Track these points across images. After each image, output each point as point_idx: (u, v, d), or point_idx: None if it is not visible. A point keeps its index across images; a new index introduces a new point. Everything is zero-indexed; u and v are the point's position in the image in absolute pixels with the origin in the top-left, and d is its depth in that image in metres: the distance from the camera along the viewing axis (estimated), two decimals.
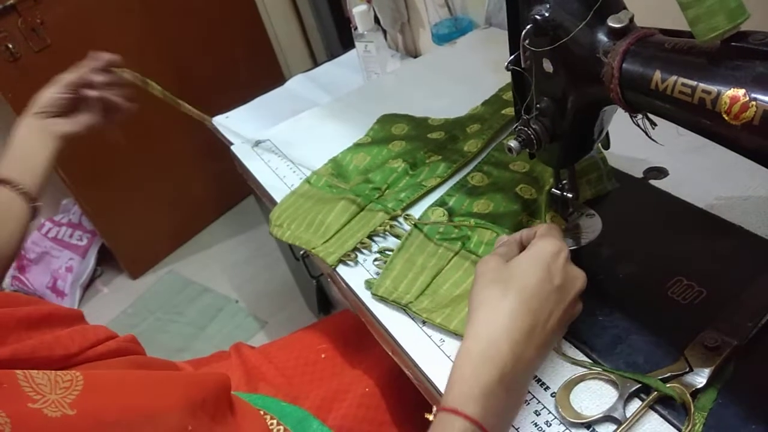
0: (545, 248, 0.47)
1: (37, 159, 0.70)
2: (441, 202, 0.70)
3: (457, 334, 0.54)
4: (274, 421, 0.58)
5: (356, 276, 0.65)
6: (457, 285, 0.59)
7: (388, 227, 0.68)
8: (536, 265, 0.46)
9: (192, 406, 0.46)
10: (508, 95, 0.88)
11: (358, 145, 0.86)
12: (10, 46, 1.54)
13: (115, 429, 0.40)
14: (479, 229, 0.64)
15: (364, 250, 0.67)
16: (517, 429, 0.47)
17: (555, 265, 0.46)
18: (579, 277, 0.48)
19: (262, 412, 0.60)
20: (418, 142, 0.82)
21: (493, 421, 0.40)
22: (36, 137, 0.71)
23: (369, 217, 0.70)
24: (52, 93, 0.72)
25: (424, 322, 0.57)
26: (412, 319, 0.58)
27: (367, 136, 0.88)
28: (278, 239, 0.74)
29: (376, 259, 0.66)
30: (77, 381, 0.41)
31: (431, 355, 0.55)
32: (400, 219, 0.69)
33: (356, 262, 0.66)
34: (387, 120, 0.90)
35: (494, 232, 0.63)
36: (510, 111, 0.83)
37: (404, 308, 0.59)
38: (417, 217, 0.69)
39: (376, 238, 0.69)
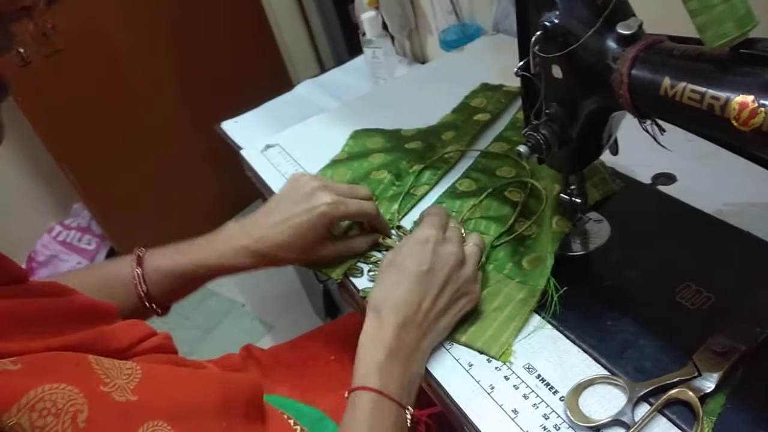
0: (414, 238, 0.55)
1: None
2: None
3: (482, 353, 0.54)
4: (291, 421, 0.59)
5: (365, 284, 0.65)
6: None
7: (381, 239, 0.67)
8: (410, 256, 0.54)
9: (227, 404, 0.49)
10: (476, 102, 0.90)
11: (336, 162, 0.84)
12: (21, 50, 1.55)
13: (167, 418, 0.42)
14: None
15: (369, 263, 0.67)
16: None
17: (424, 253, 0.54)
18: (451, 254, 0.54)
19: (284, 415, 0.60)
20: (397, 152, 0.82)
21: (393, 388, 0.49)
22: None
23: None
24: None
25: None
26: None
27: (342, 152, 0.87)
28: None
29: (370, 270, 0.65)
30: (136, 370, 0.43)
31: (441, 358, 0.55)
32: (393, 231, 0.69)
33: (362, 273, 0.65)
34: (360, 135, 0.89)
35: (484, 234, 0.64)
36: (481, 117, 0.85)
37: None
38: (408, 228, 0.69)
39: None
